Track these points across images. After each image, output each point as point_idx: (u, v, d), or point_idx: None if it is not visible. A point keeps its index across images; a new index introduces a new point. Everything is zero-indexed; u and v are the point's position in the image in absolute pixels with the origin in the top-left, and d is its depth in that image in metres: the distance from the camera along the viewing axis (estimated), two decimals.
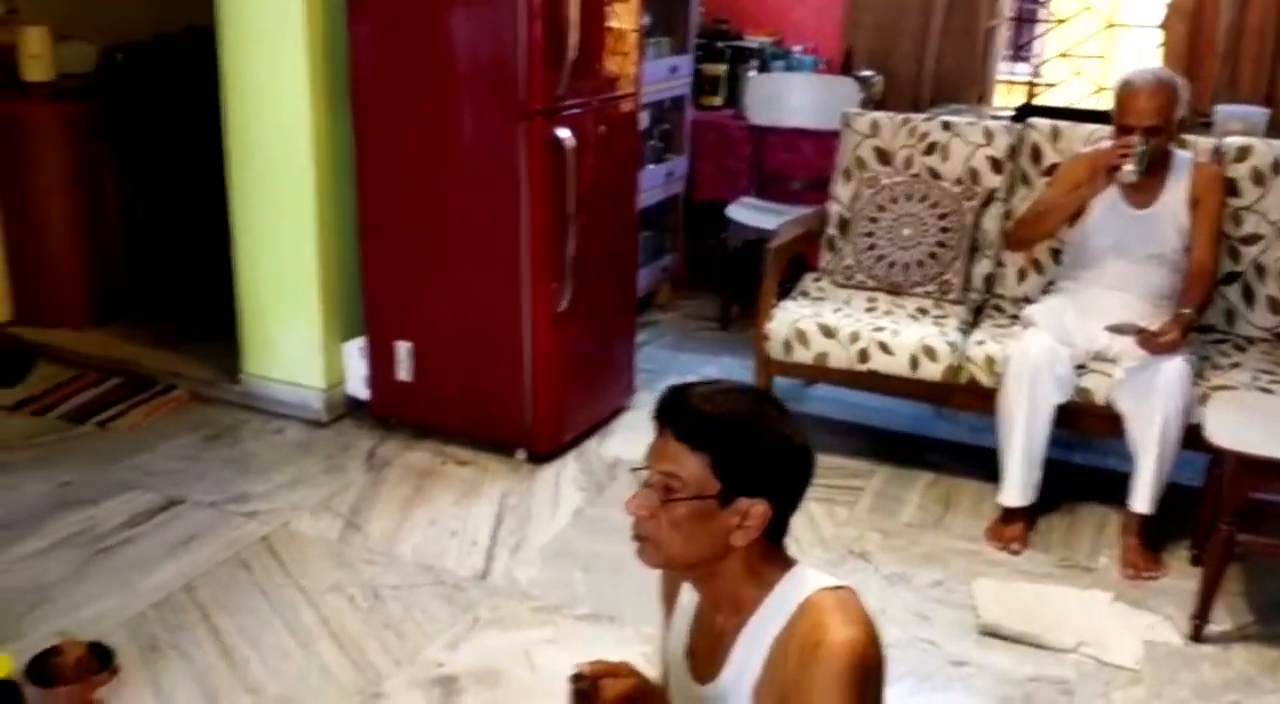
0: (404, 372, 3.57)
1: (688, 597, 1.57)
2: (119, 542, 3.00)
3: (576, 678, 1.47)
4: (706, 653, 1.52)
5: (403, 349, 3.55)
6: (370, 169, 3.45)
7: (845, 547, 3.06)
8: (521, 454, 3.49)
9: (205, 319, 4.13)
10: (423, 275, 3.46)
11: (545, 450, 3.49)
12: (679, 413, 1.43)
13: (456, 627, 2.68)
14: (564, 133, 3.23)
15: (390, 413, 3.66)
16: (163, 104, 4.32)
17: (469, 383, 3.50)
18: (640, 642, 2.52)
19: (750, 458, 1.41)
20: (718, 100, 5.03)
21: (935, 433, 3.79)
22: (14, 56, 4.16)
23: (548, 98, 3.21)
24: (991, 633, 2.69)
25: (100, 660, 2.34)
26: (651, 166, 4.61)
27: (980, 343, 3.27)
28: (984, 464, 3.29)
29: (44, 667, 2.29)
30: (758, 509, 1.41)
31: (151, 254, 4.48)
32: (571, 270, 3.35)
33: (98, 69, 4.42)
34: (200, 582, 2.81)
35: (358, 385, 3.71)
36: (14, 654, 2.34)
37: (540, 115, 3.20)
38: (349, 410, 3.76)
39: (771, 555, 1.47)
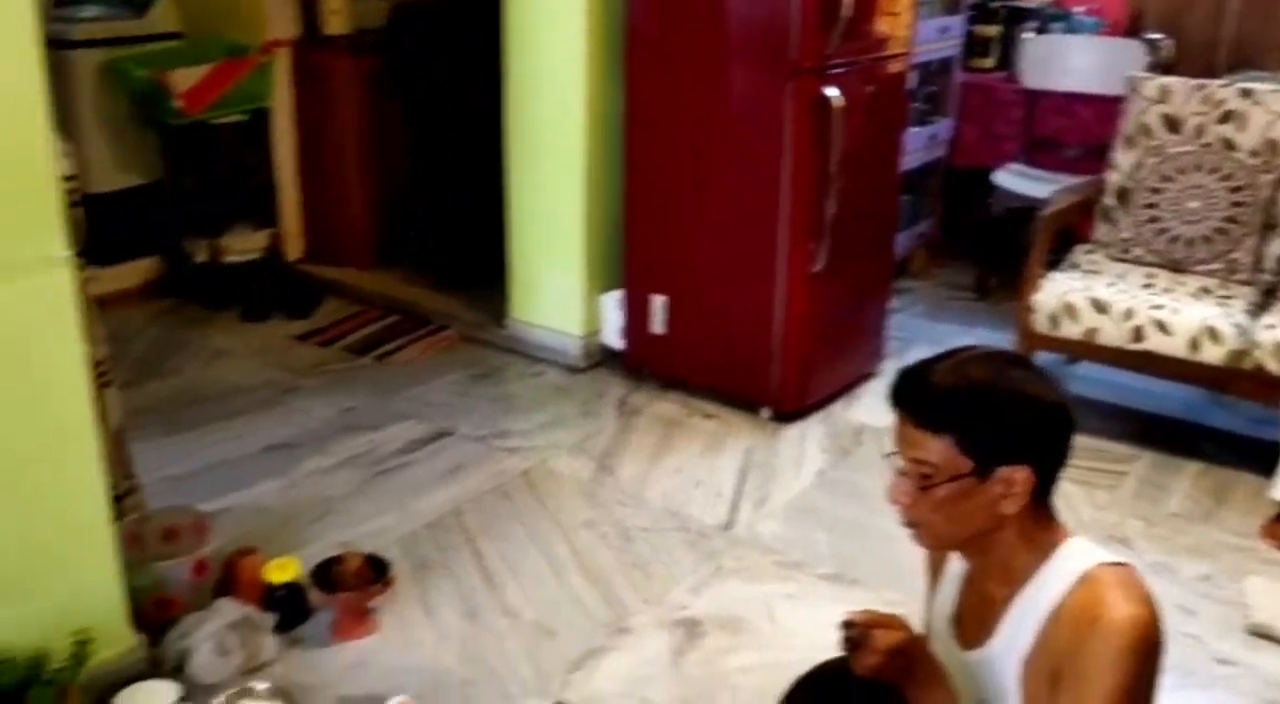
0: (657, 324, 3.66)
1: (956, 562, 1.56)
2: (395, 465, 3.24)
3: (847, 625, 1.49)
4: (974, 619, 1.51)
5: (658, 303, 3.64)
6: (638, 125, 3.54)
7: (1104, 531, 2.94)
8: (766, 412, 3.52)
9: (476, 266, 4.35)
10: (682, 231, 3.53)
11: (790, 410, 3.51)
12: (913, 398, 1.41)
13: (700, 572, 2.76)
14: (832, 92, 3.21)
15: (642, 364, 3.77)
16: (445, 58, 4.56)
17: (719, 339, 3.55)
18: (882, 607, 2.51)
19: (997, 427, 1.37)
20: (989, 62, 4.85)
21: (1210, 421, 3.56)
22: (317, 11, 4.50)
23: (818, 56, 3.19)
24: (1262, 634, 2.53)
25: (377, 572, 2.54)
26: (914, 129, 4.50)
27: (1270, 327, 3.04)
28: (1263, 459, 3.07)
29: (327, 573, 2.52)
30: (1020, 475, 1.38)
31: (431, 203, 4.76)
32: (830, 231, 3.34)
33: (387, 24, 4.71)
34: (466, 508, 3.01)
35: (613, 335, 3.84)
36: (301, 559, 2.58)
37: (809, 74, 3.19)
38: (603, 358, 3.89)
39: (1044, 520, 1.44)
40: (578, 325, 3.88)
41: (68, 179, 2.11)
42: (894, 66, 3.58)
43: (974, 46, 4.82)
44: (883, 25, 3.46)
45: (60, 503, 2.11)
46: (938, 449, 1.38)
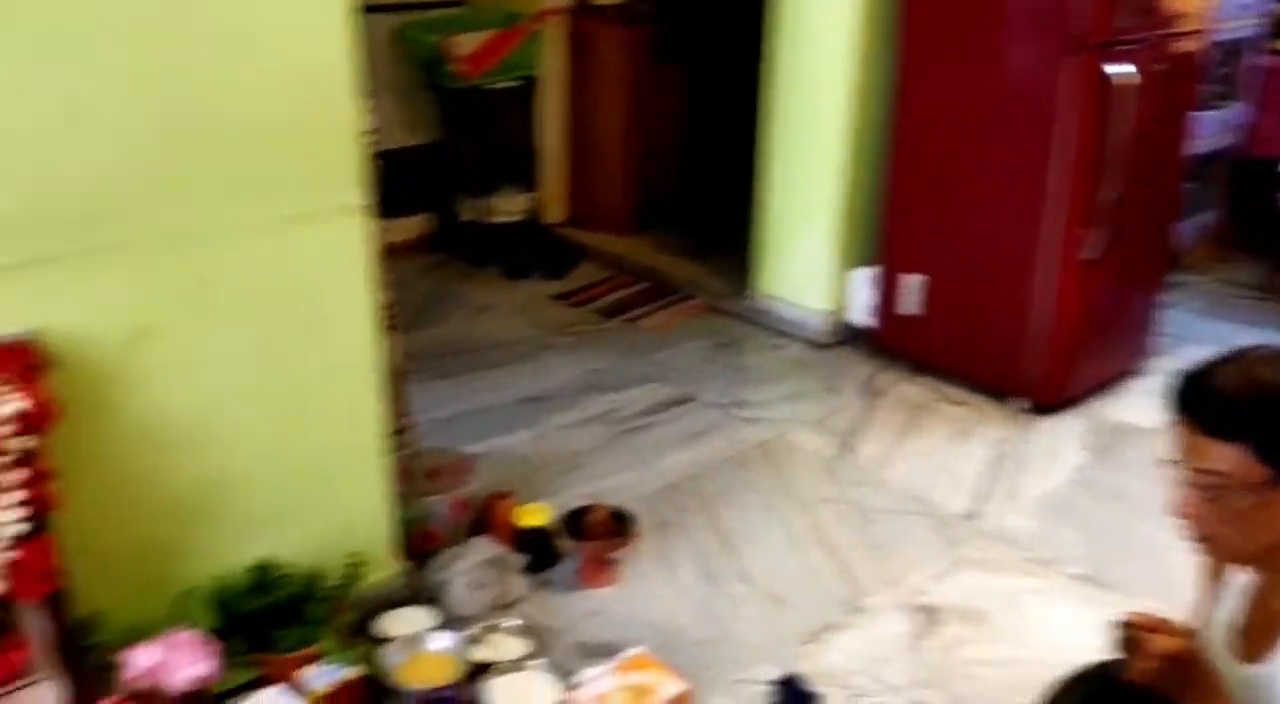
0: (910, 305, 3.58)
1: (1240, 573, 1.47)
2: (639, 426, 3.33)
3: (1123, 626, 1.42)
4: (1259, 634, 1.41)
5: (912, 282, 3.56)
6: (908, 99, 3.46)
7: None
8: (1021, 402, 3.39)
9: (729, 235, 4.39)
10: (945, 210, 3.43)
11: (1048, 402, 3.37)
12: (1201, 404, 1.31)
13: (942, 560, 2.70)
14: (1118, 70, 3.03)
15: (890, 344, 3.71)
16: (721, 27, 4.60)
17: (975, 323, 3.44)
18: None
19: None
20: None
21: None
22: None
23: (1104, 31, 3.02)
24: None
25: (622, 525, 2.62)
26: (1204, 113, 4.19)
27: None
28: None
29: (575, 522, 2.62)
30: None
31: (695, 170, 4.82)
32: (1105, 218, 3.16)
33: None
34: (705, 473, 3.06)
35: (860, 313, 3.78)
36: (551, 506, 2.69)
37: (1093, 50, 3.03)
38: (848, 336, 3.85)
39: None
40: (824, 301, 3.85)
41: (368, 133, 2.27)
42: (1188, 44, 3.34)
43: None
44: None
45: (343, 434, 2.29)
46: (1229, 458, 1.29)
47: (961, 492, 2.99)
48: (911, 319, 3.60)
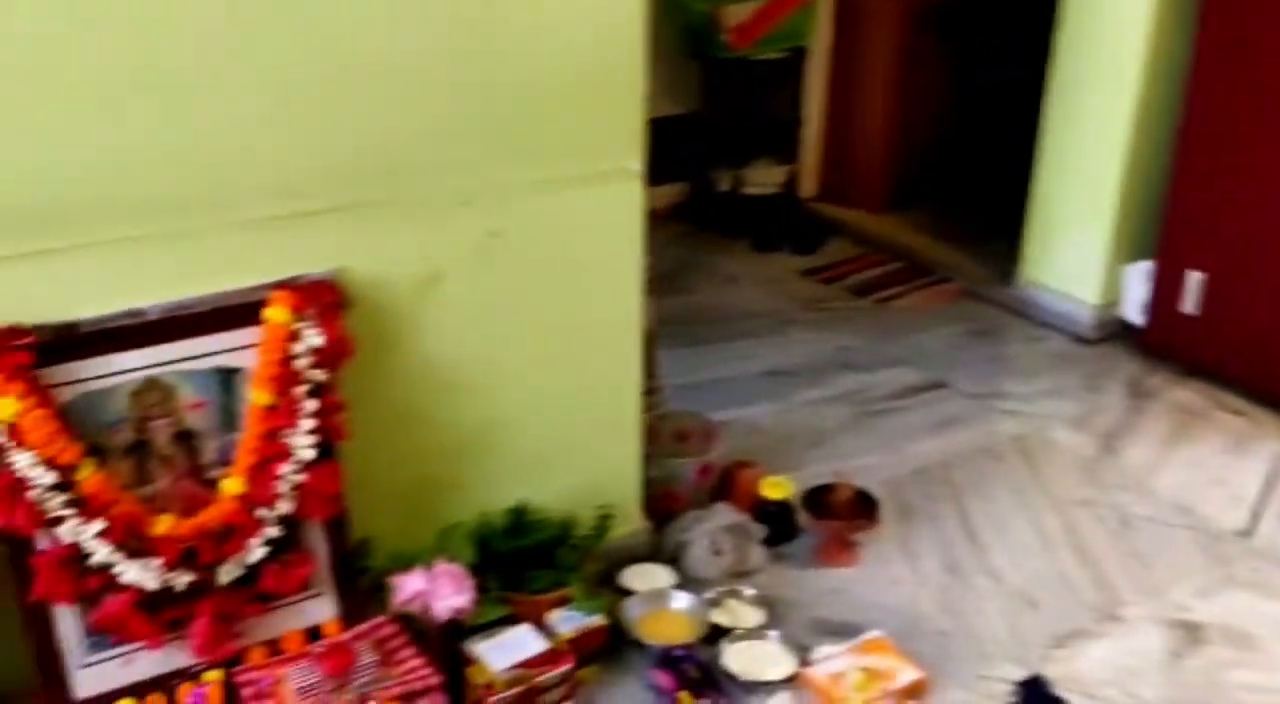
0: (1189, 304, 3.34)
1: None
2: (886, 408, 3.26)
3: None
4: None
5: (1194, 280, 3.32)
6: (1204, 82, 3.21)
7: None
8: None
9: (993, 219, 4.23)
10: (1234, 204, 3.17)
11: None
12: None
13: (1208, 576, 2.52)
14: None
15: (1161, 343, 3.48)
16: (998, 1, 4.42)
17: (1260, 328, 3.18)
18: None
19: None
20: None
21: None
22: None
23: None
24: None
25: (865, 506, 2.58)
26: None
27: None
28: None
29: (818, 499, 2.60)
30: None
31: (957, 150, 4.66)
32: None
33: None
34: (955, 462, 2.97)
35: (1133, 309, 3.57)
36: (793, 481, 2.68)
37: None
38: (1115, 333, 3.63)
39: None
40: (1094, 294, 3.65)
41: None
42: None
43: None
44: None
45: (604, 390, 2.35)
46: None
47: (1235, 507, 2.78)
48: (1187, 318, 3.36)
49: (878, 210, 4.64)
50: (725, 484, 2.69)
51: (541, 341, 2.23)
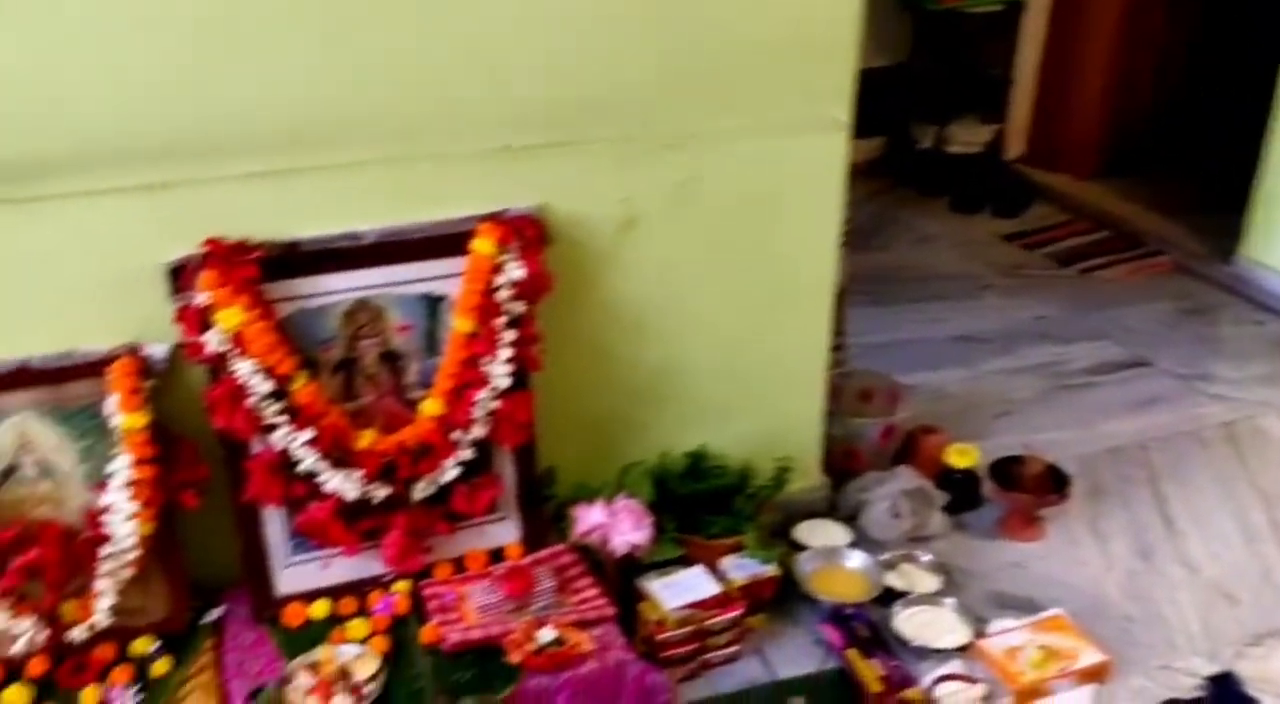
0: None
1: None
2: (1082, 383, 3.13)
3: None
4: None
5: None
6: None
7: None
8: None
9: (1210, 192, 3.97)
10: None
11: None
12: None
13: None
14: None
15: None
16: None
17: None
18: None
19: None
20: None
21: None
22: None
23: None
24: None
25: (1055, 482, 2.49)
26: None
27: None
28: None
29: (1005, 470, 2.52)
30: None
31: (1181, 112, 4.38)
32: None
33: None
34: (1153, 445, 2.82)
35: None
36: (979, 450, 2.60)
37: None
38: None
39: None
40: None
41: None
42: None
43: None
44: None
45: (792, 342, 2.34)
46: None
47: None
48: None
49: (1088, 175, 4.41)
50: (908, 448, 2.64)
51: (732, 290, 2.23)
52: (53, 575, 1.81)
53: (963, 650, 2.12)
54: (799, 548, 2.33)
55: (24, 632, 1.80)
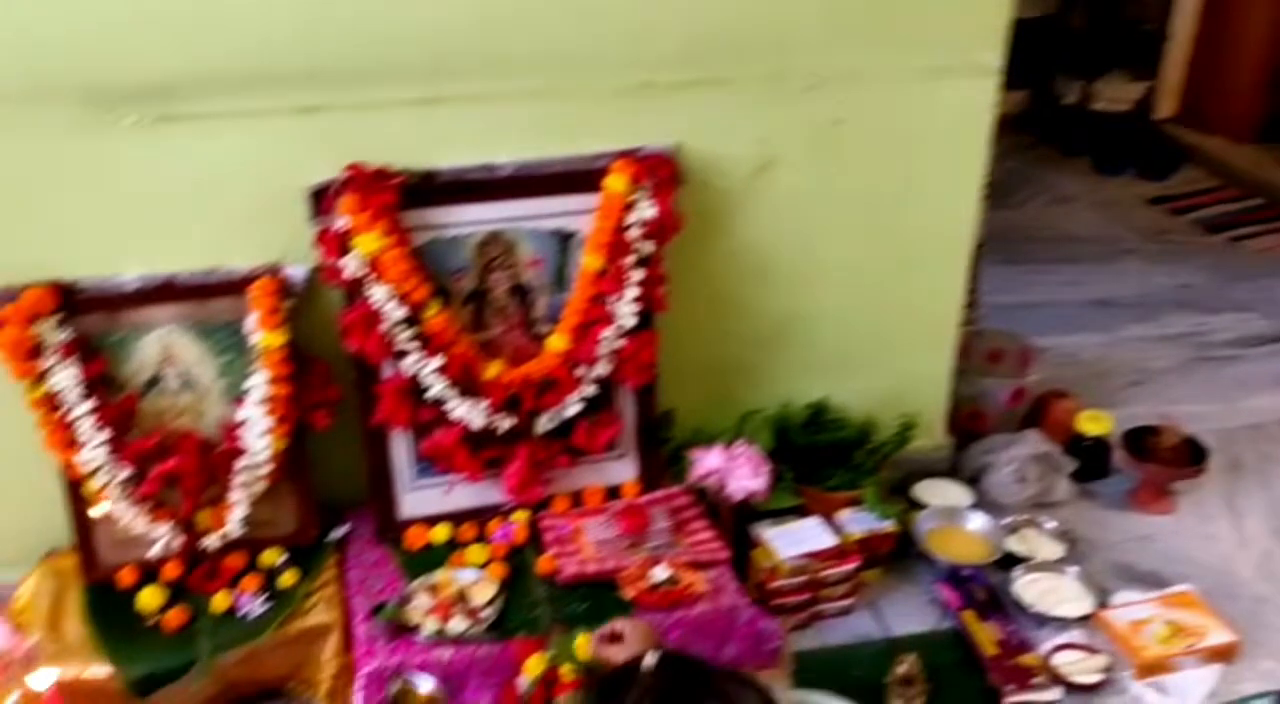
0: None
1: None
2: (1225, 356, 3.00)
3: None
4: None
5: None
6: None
7: None
8: None
9: None
10: None
11: None
12: None
13: None
14: None
15: None
16: None
17: None
18: None
19: None
20: None
21: None
22: None
23: None
24: None
25: (1192, 455, 2.39)
26: None
27: None
28: None
29: (1139, 440, 2.42)
30: None
31: None
32: None
33: None
34: None
35: None
36: (1112, 418, 2.51)
37: None
38: None
39: None
40: None
41: None
42: None
43: None
44: None
45: (925, 296, 2.28)
46: None
47: None
48: None
49: (1244, 139, 4.18)
50: (1037, 412, 2.56)
51: (866, 239, 2.18)
52: (190, 484, 1.88)
53: (1084, 620, 2.07)
54: (918, 506, 2.29)
55: (161, 536, 1.88)
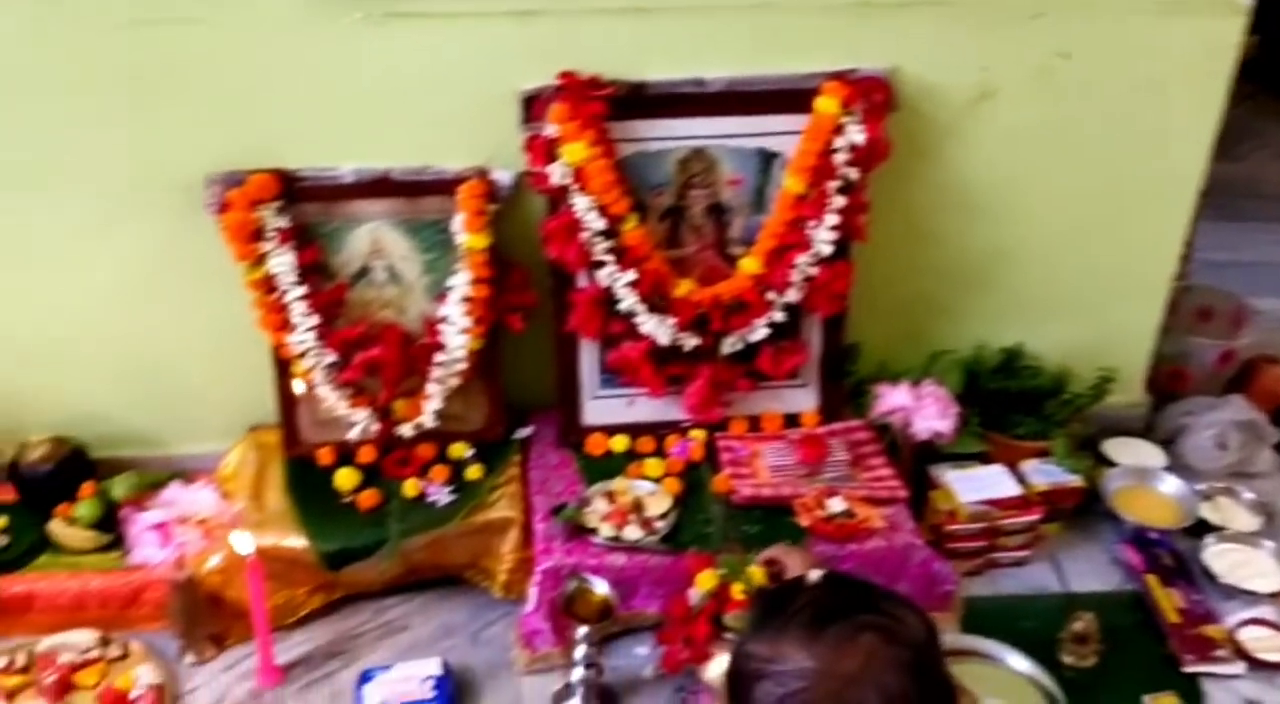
0: None
1: None
2: None
3: None
4: None
5: None
6: None
7: None
8: None
9: None
10: None
11: None
12: None
13: None
14: None
15: None
16: None
17: None
18: None
19: None
20: None
21: None
22: None
23: None
24: None
25: None
26: None
27: None
28: None
29: None
30: None
31: None
32: None
33: None
34: None
35: None
36: None
37: None
38: None
39: None
40: None
41: None
42: None
43: None
44: None
45: (1133, 246, 2.16)
46: None
47: None
48: None
49: None
50: (1244, 376, 2.42)
51: (1083, 180, 2.08)
52: (389, 374, 1.96)
53: (1275, 597, 1.97)
54: (1107, 463, 2.21)
55: (359, 421, 1.97)
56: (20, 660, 1.83)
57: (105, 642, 1.85)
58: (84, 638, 1.85)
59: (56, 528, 1.94)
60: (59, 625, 1.87)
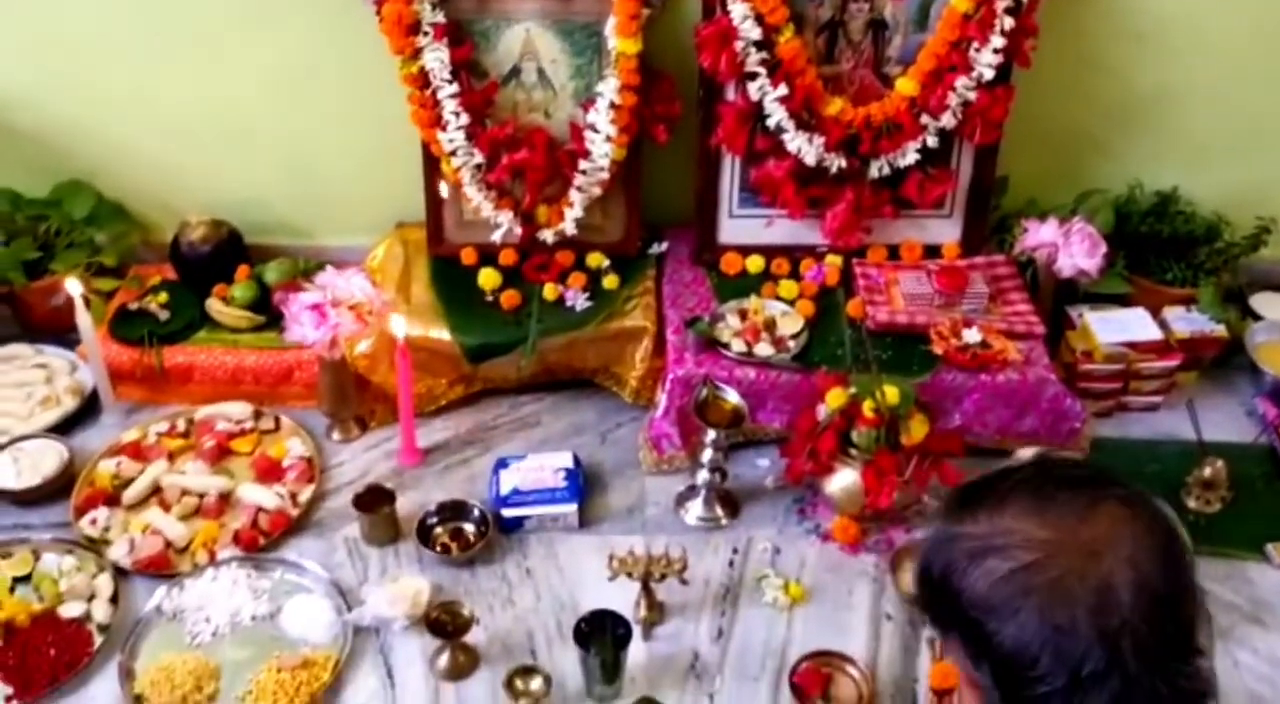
0: None
1: None
2: None
3: None
4: None
5: None
6: None
7: None
8: None
9: None
10: None
11: None
12: None
13: None
14: None
15: None
16: None
17: None
18: None
19: None
20: None
21: None
22: None
23: None
24: None
25: None
26: None
27: None
28: None
29: None
30: None
31: None
32: None
33: None
34: None
35: None
36: None
37: None
38: None
39: None
40: None
41: None
42: None
43: None
44: None
45: None
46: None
47: None
48: None
49: None
50: None
51: (1261, 18, 1.95)
52: (534, 178, 1.98)
53: None
54: (1254, 316, 2.14)
55: (502, 223, 2.01)
56: (181, 426, 1.96)
57: (258, 414, 1.97)
58: (239, 409, 1.97)
59: (214, 306, 2.04)
60: (216, 396, 1.99)
